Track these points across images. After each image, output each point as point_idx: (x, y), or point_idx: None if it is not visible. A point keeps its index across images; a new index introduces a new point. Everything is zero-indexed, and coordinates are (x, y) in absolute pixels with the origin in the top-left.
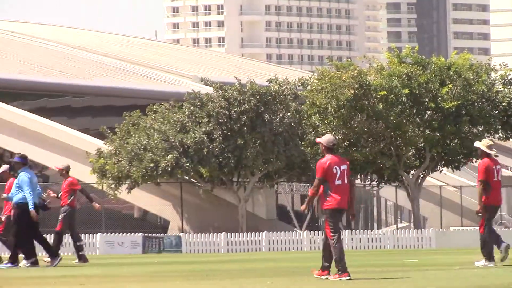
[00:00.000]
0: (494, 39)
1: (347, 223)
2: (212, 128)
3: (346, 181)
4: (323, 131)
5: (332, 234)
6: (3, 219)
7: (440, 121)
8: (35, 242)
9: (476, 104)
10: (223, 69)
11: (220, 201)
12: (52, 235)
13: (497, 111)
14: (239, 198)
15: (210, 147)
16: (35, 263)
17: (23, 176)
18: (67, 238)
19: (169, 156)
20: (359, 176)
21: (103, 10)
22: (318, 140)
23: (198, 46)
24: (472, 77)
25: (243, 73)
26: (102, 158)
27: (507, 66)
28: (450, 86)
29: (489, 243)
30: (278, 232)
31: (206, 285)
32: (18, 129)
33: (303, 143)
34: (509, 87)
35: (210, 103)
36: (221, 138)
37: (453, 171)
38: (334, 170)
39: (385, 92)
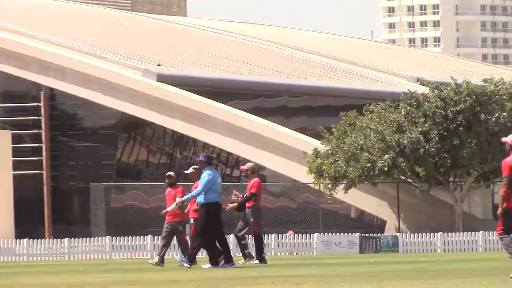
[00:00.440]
0: None
1: None
2: (428, 128)
3: None
4: None
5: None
6: (192, 221)
7: None
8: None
9: None
10: (439, 69)
11: (436, 201)
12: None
13: None
14: (455, 198)
15: (426, 147)
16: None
17: (205, 174)
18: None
19: (386, 156)
20: None
21: (318, 10)
22: (504, 139)
23: (414, 46)
24: None
25: (458, 73)
26: (319, 158)
27: None
28: None
29: None
30: (494, 232)
31: (420, 285)
32: (234, 128)
33: None
34: None
35: (426, 103)
36: (437, 138)
37: None
38: None
39: None
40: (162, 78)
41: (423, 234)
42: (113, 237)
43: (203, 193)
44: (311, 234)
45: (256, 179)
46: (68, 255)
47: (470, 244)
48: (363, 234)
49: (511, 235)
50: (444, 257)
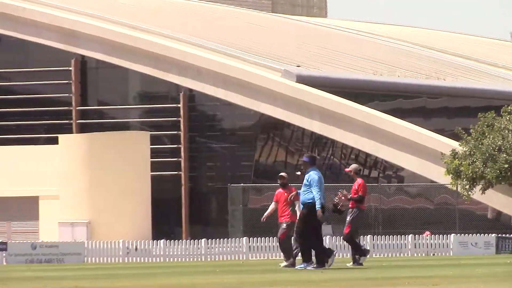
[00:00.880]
0: None
1: None
2: None
3: None
4: None
5: None
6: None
7: None
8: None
9: None
10: None
11: None
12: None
13: None
14: None
15: None
16: (309, 264)
17: (314, 175)
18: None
19: None
20: None
21: (457, 10)
22: None
23: None
24: None
25: None
26: (456, 159)
27: None
28: None
29: None
30: None
31: None
32: (373, 129)
33: None
34: None
35: None
36: None
37: None
38: None
39: None
40: (302, 79)
41: None
42: (250, 238)
43: (308, 193)
44: (448, 235)
45: (360, 180)
46: (205, 256)
47: None
48: (499, 235)
49: None
50: None
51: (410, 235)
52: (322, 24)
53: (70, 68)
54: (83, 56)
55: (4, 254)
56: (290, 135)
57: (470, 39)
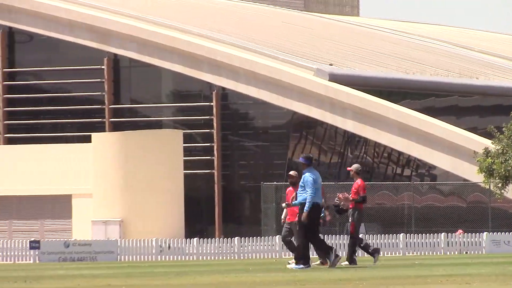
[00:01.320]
0: None
1: None
2: None
3: None
4: None
5: None
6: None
7: None
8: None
9: None
10: None
11: None
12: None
13: None
14: None
15: None
16: (307, 266)
17: (308, 176)
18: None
19: None
20: None
21: (490, 9)
22: None
23: None
24: None
25: None
26: (489, 158)
27: None
28: None
29: None
30: None
31: None
32: (405, 128)
33: None
34: None
35: None
36: None
37: None
38: None
39: None
40: (334, 78)
41: None
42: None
43: (304, 194)
44: (480, 233)
45: (360, 181)
46: (238, 255)
47: None
48: None
49: None
50: None
51: (443, 234)
52: (354, 23)
53: (103, 67)
54: (115, 55)
55: (37, 253)
56: (323, 134)
57: (502, 38)
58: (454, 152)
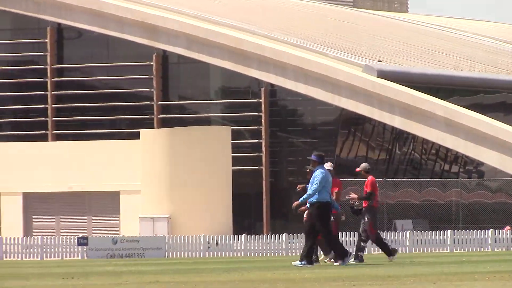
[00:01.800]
0: None
1: None
2: None
3: None
4: None
5: None
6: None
7: None
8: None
9: None
10: None
11: None
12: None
13: None
14: None
15: None
16: (310, 263)
17: (318, 172)
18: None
19: None
20: None
21: None
22: None
23: None
24: None
25: None
26: None
27: None
28: None
29: None
30: None
31: None
32: (453, 124)
33: None
34: None
35: None
36: None
37: None
38: None
39: None
40: (383, 74)
41: None
42: None
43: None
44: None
45: (370, 177)
46: (286, 251)
47: None
48: None
49: None
50: None
51: (491, 230)
52: (403, 19)
53: (152, 63)
54: (164, 51)
55: (85, 249)
56: (371, 130)
57: None
58: (502, 148)
